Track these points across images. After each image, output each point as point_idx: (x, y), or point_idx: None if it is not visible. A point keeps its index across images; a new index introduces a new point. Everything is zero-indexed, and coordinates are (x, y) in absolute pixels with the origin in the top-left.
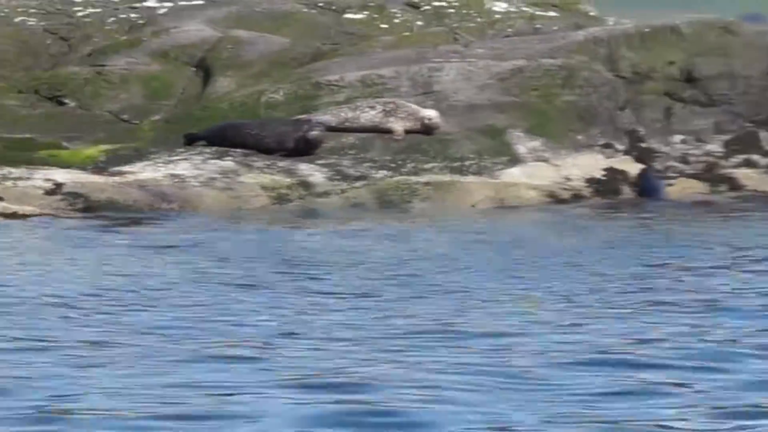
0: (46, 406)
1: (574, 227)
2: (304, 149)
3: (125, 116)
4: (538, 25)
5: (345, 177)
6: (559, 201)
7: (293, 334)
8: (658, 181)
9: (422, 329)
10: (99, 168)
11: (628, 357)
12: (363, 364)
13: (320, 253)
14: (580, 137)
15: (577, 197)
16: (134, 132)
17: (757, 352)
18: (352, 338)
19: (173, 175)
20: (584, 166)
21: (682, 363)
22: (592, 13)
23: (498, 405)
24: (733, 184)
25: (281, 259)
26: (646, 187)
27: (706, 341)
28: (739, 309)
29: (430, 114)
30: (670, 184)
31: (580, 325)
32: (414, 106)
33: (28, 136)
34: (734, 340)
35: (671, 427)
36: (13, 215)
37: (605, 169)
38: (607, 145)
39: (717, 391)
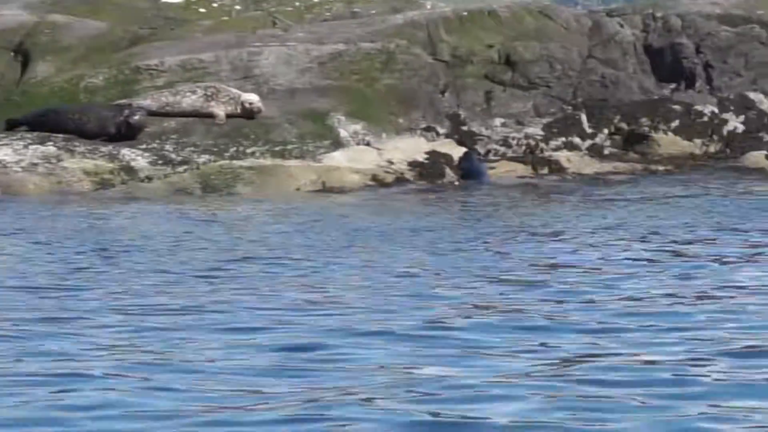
0: None
1: (393, 208)
2: (126, 134)
3: None
4: (356, 9)
5: (168, 162)
6: (383, 185)
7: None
8: (480, 164)
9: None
10: None
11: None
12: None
13: (139, 236)
14: (401, 121)
15: (400, 181)
16: None
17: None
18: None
19: None
20: (406, 149)
21: None
22: None
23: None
24: (554, 167)
25: (101, 242)
26: (469, 170)
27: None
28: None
29: (252, 98)
30: (493, 167)
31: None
32: (235, 91)
33: None
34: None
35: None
36: None
37: (428, 153)
38: (429, 129)
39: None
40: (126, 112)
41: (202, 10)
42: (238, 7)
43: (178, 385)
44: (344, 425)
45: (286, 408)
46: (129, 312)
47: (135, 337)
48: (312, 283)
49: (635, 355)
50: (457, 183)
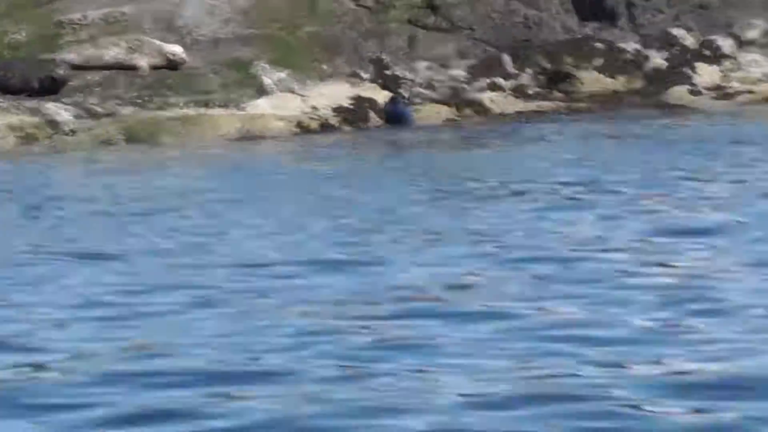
0: None
1: (318, 156)
2: (50, 88)
3: None
4: None
5: (92, 114)
6: (308, 131)
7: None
8: (404, 107)
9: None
10: None
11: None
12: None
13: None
14: (325, 67)
15: (325, 127)
16: None
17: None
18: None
19: None
20: (331, 95)
21: None
22: None
23: None
24: (478, 108)
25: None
26: (393, 114)
27: None
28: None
29: (175, 49)
30: (417, 110)
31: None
32: (158, 42)
33: None
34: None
35: None
36: None
37: (352, 98)
38: (353, 74)
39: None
40: (50, 66)
41: None
42: None
43: None
44: None
45: None
46: None
47: None
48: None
49: None
50: (382, 127)
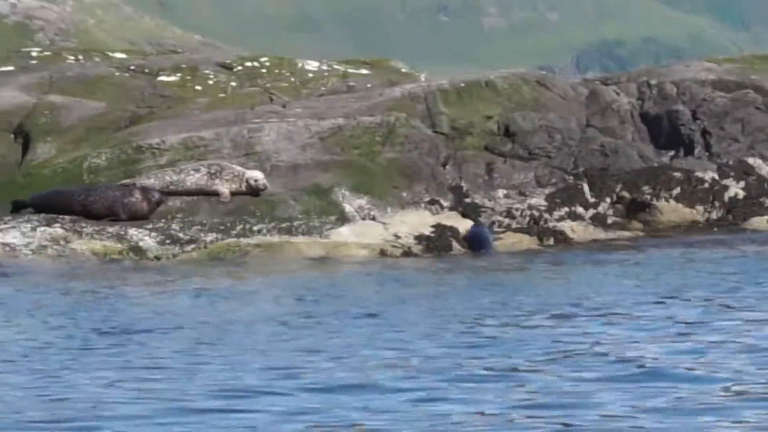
0: None
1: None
2: (138, 214)
3: None
4: (351, 83)
5: (175, 241)
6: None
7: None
8: (486, 236)
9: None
10: None
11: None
12: None
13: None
14: (405, 194)
15: (407, 255)
16: None
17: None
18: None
19: (3, 244)
20: (412, 223)
21: None
22: (403, 70)
23: None
24: (559, 237)
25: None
26: (475, 243)
27: None
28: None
29: (256, 175)
30: (498, 239)
31: None
32: (239, 168)
33: None
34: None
35: None
36: None
37: (433, 226)
38: (433, 202)
39: None
40: (135, 192)
41: (198, 87)
42: (233, 84)
43: None
44: None
45: None
46: None
47: None
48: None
49: None
50: (465, 255)
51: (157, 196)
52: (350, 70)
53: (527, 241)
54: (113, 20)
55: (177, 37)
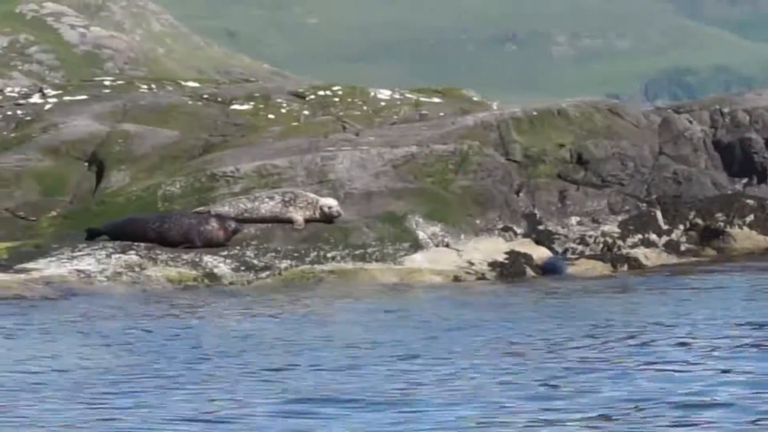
0: None
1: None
2: (214, 242)
3: (21, 213)
4: (423, 111)
5: (250, 267)
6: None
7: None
8: (560, 262)
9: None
10: (3, 266)
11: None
12: None
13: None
14: (478, 221)
15: (481, 281)
16: (32, 228)
17: None
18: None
19: (79, 271)
20: (486, 250)
21: None
22: (475, 98)
23: None
24: (633, 263)
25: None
26: (549, 270)
27: None
28: None
29: (330, 202)
30: (572, 265)
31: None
32: (313, 195)
33: None
34: None
35: None
36: None
37: (507, 253)
38: (506, 229)
39: None
40: (212, 221)
41: (270, 116)
42: (306, 113)
43: None
44: None
45: None
46: None
47: None
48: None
49: None
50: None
51: (233, 225)
52: (422, 99)
53: (600, 268)
54: (182, 49)
55: (245, 65)
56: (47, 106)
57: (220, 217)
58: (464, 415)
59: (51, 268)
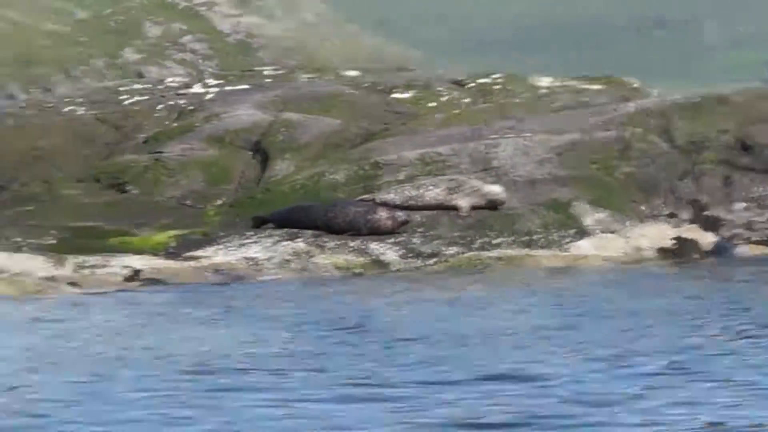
0: None
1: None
2: (381, 231)
3: (188, 201)
4: (584, 99)
5: (417, 255)
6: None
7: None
8: (729, 248)
9: None
10: (172, 253)
11: None
12: None
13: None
14: (643, 208)
15: (654, 267)
16: (199, 217)
17: None
18: None
19: (247, 258)
20: (653, 236)
21: None
22: (635, 85)
23: None
24: None
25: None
26: (718, 254)
27: None
28: None
29: (495, 189)
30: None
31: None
32: (477, 182)
33: (94, 224)
34: None
35: None
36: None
37: (674, 239)
38: (672, 215)
39: None
40: (379, 209)
41: (431, 104)
42: (467, 100)
43: None
44: None
45: None
46: None
47: None
48: None
49: None
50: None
51: (402, 216)
52: (582, 86)
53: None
54: (334, 37)
55: (398, 54)
56: (208, 96)
57: (389, 208)
58: None
59: (219, 255)
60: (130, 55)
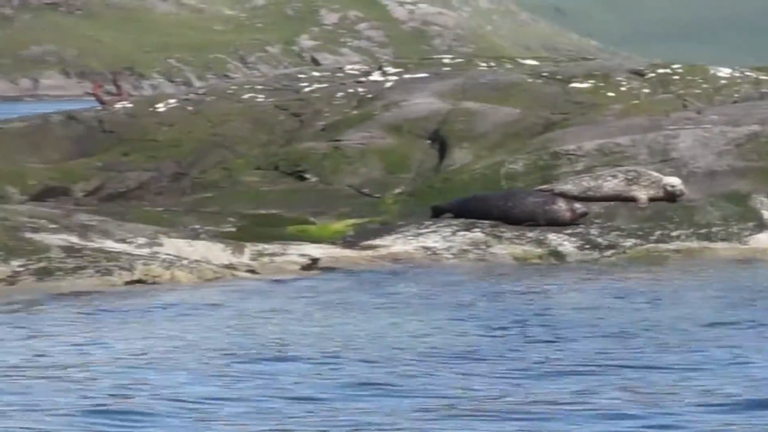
0: None
1: None
2: (558, 222)
3: (366, 190)
4: (764, 90)
5: (595, 246)
6: None
7: None
8: None
9: None
10: (349, 242)
11: None
12: None
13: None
14: None
15: None
16: (377, 205)
17: None
18: None
19: (425, 248)
20: None
21: None
22: None
23: None
24: None
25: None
26: None
27: None
28: None
29: (674, 181)
30: None
31: None
32: (656, 174)
33: (273, 211)
34: None
35: None
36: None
37: None
38: None
39: None
40: (558, 201)
41: (610, 94)
42: (646, 91)
43: None
44: None
45: None
46: None
47: None
48: None
49: None
50: None
51: (581, 209)
52: (762, 77)
53: None
54: (509, 26)
55: (573, 43)
56: (387, 84)
57: (568, 200)
58: None
59: (397, 244)
60: (305, 42)
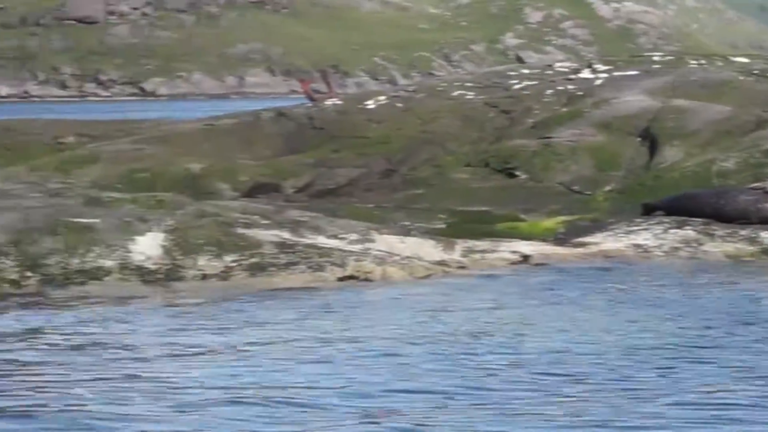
0: None
1: None
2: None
3: (576, 187)
4: None
5: None
6: None
7: None
8: None
9: None
10: (560, 239)
11: None
12: None
13: None
14: None
15: None
16: (587, 203)
17: None
18: None
19: (636, 245)
20: None
21: None
22: None
23: None
24: None
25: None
26: None
27: None
28: None
29: None
30: None
31: None
32: None
33: (483, 208)
34: None
35: None
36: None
37: None
38: None
39: None
40: None
41: None
42: None
43: None
44: None
45: None
46: None
47: None
48: None
49: None
50: None
51: None
52: None
53: None
54: (715, 24)
55: None
56: (597, 82)
57: None
58: None
59: (608, 242)
60: (510, 40)
